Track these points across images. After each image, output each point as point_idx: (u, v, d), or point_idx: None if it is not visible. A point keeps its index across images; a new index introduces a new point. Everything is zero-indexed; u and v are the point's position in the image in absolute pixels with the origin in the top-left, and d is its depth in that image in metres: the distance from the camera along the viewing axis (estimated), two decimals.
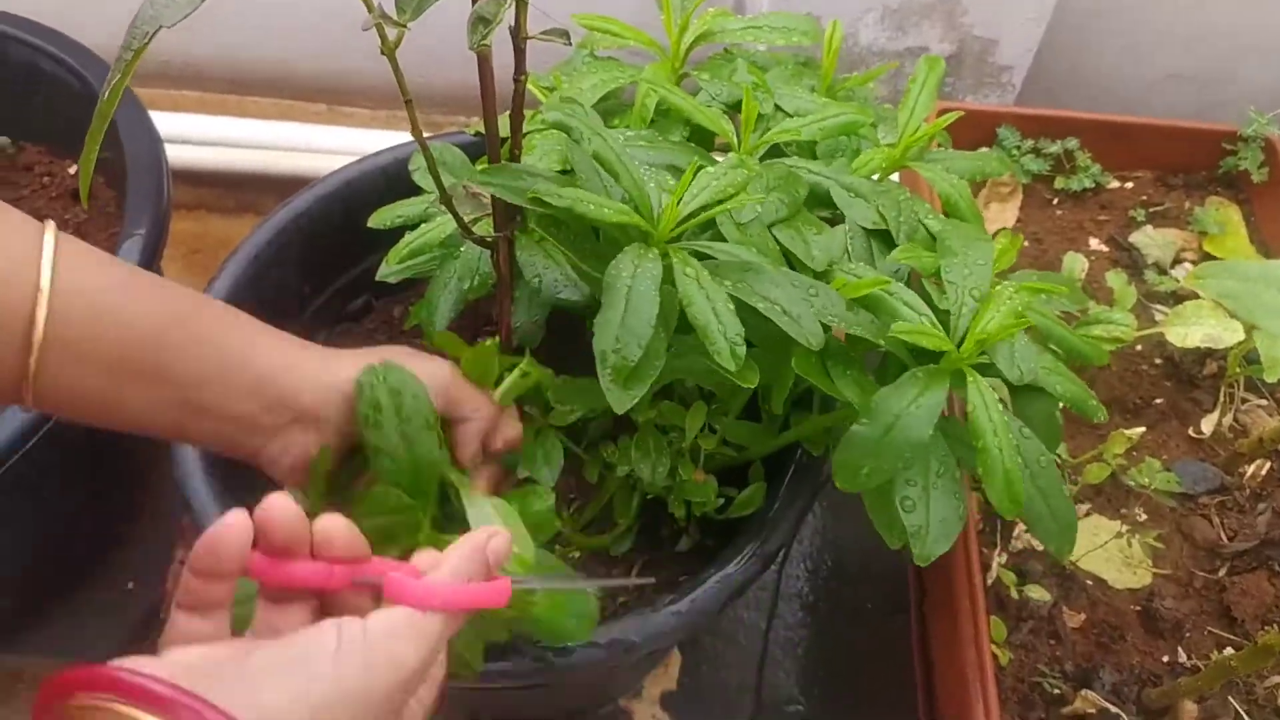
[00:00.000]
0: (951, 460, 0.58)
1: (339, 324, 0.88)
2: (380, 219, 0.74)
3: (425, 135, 0.53)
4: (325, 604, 0.42)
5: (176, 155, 1.39)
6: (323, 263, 0.83)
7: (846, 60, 1.20)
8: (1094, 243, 0.97)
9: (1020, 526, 0.80)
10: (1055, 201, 0.99)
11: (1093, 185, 0.99)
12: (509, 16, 0.47)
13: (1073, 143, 0.99)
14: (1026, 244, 0.96)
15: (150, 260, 0.84)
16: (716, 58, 0.77)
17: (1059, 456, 0.82)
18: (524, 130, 0.76)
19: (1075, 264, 0.90)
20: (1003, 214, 0.97)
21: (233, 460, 0.53)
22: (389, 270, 0.72)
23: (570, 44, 0.48)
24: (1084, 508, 0.81)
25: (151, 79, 1.48)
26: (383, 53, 0.46)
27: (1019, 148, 0.99)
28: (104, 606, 0.97)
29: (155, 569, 0.98)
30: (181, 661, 0.34)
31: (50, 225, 0.44)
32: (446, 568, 0.42)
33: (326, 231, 0.82)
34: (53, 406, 0.45)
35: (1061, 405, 0.62)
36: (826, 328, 0.57)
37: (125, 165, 0.90)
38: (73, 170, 1.06)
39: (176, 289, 0.50)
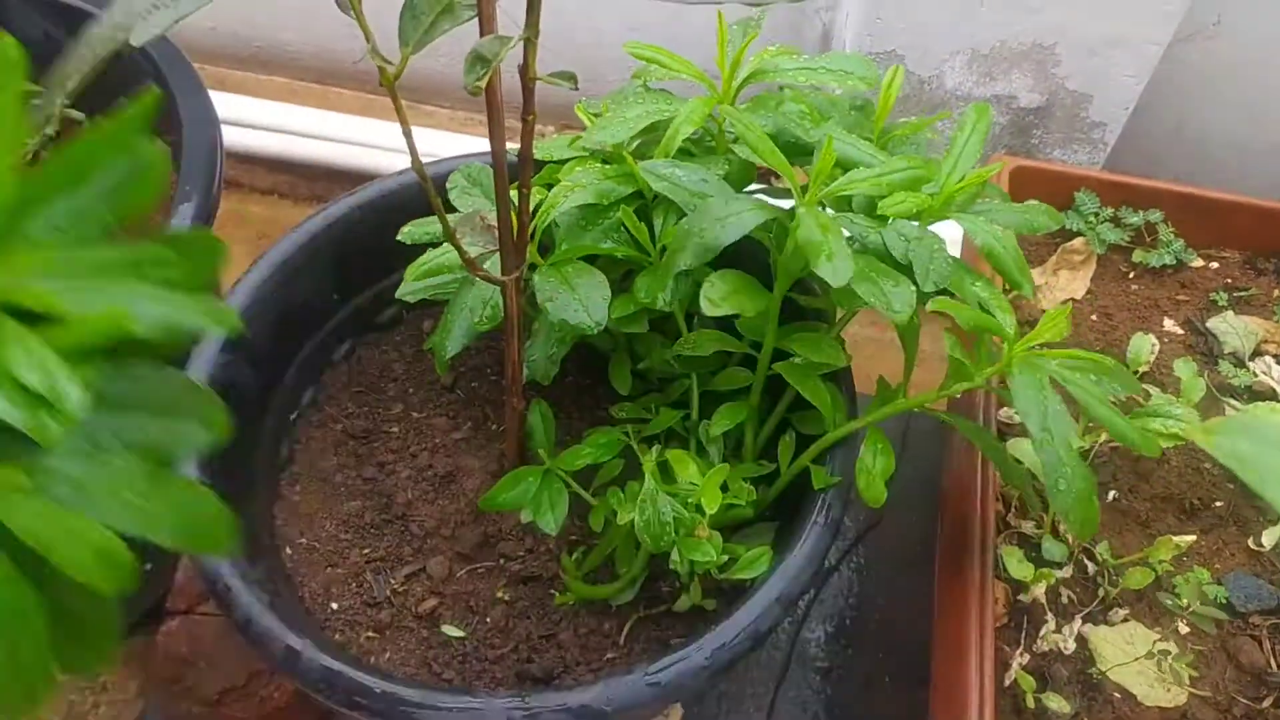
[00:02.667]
0: None
1: (367, 333, 0.87)
2: (410, 234, 0.73)
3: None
4: None
5: (255, 140, 1.43)
6: (354, 271, 0.83)
7: (929, 103, 1.15)
8: (1168, 324, 0.90)
9: (1049, 625, 0.75)
10: (1131, 275, 0.93)
11: (1174, 262, 0.92)
12: (517, 55, 0.45)
13: (1156, 214, 0.93)
14: (1094, 318, 0.90)
15: None
16: (766, 96, 0.73)
17: (1100, 555, 0.77)
18: (564, 157, 0.75)
19: (1143, 346, 0.84)
20: (1072, 284, 0.91)
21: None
22: (407, 289, 0.71)
23: (576, 88, 0.45)
24: (1121, 613, 0.75)
25: (244, 63, 1.51)
26: (382, 84, 0.44)
27: (1097, 215, 0.93)
28: None
29: (171, 553, 0.99)
30: None
31: None
32: None
33: (360, 240, 0.81)
34: None
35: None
36: None
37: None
38: None
39: None
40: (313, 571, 0.74)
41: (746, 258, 0.66)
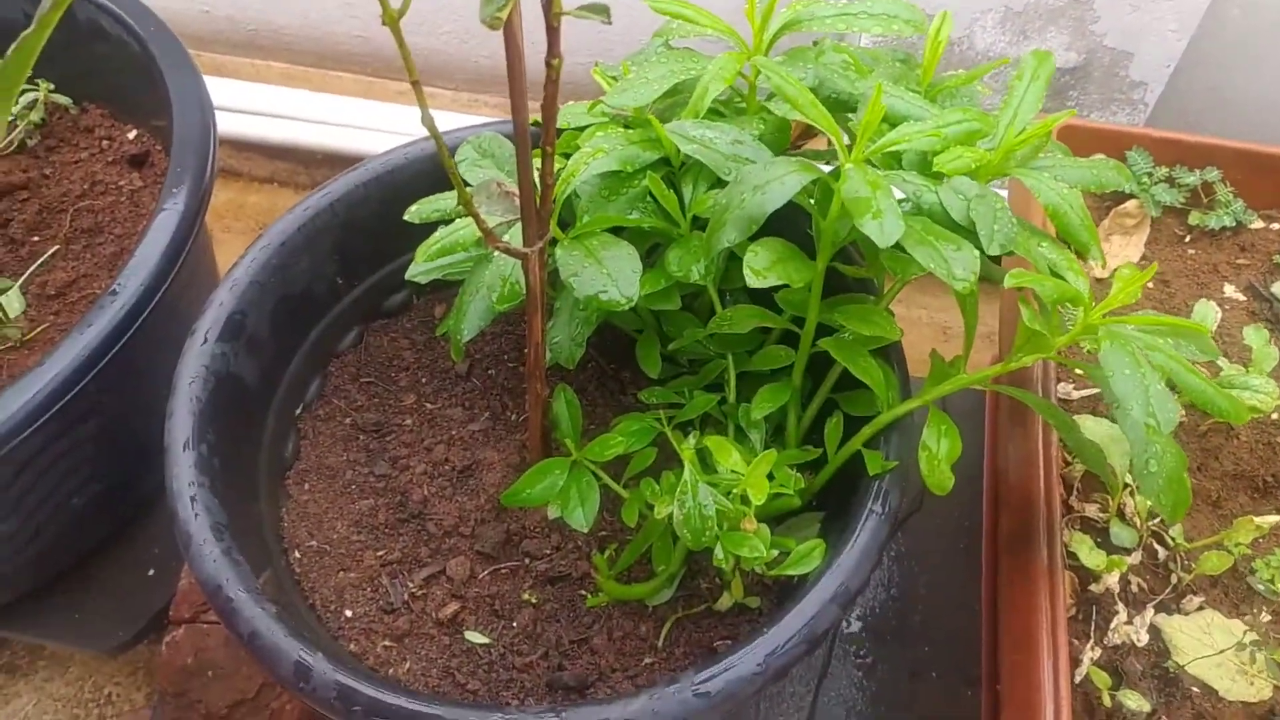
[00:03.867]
0: None
1: (375, 319, 0.81)
2: (418, 212, 0.67)
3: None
4: None
5: (253, 127, 1.37)
6: (359, 253, 0.77)
7: (960, 65, 1.09)
8: (1229, 289, 0.84)
9: (1120, 615, 0.69)
10: (1187, 239, 0.87)
11: (1233, 224, 0.86)
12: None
13: (1213, 173, 0.87)
14: (1150, 285, 0.84)
15: (188, 231, 0.79)
16: (802, 49, 0.68)
17: (1171, 539, 0.71)
18: (583, 124, 0.69)
19: (1207, 313, 0.78)
20: (1126, 248, 0.85)
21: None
22: (417, 269, 0.65)
23: (609, 22, 0.40)
24: (1195, 601, 0.70)
25: (239, 48, 1.45)
26: (384, 23, 0.39)
27: (1150, 175, 0.87)
28: (125, 591, 0.94)
29: (176, 557, 0.94)
30: None
31: None
32: None
33: (365, 220, 0.75)
34: None
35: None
36: None
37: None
38: (132, 135, 1.02)
39: None
40: (323, 577, 0.69)
41: (786, 225, 0.61)
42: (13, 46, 0.32)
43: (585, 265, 0.59)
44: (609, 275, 0.58)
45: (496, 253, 0.61)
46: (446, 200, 0.66)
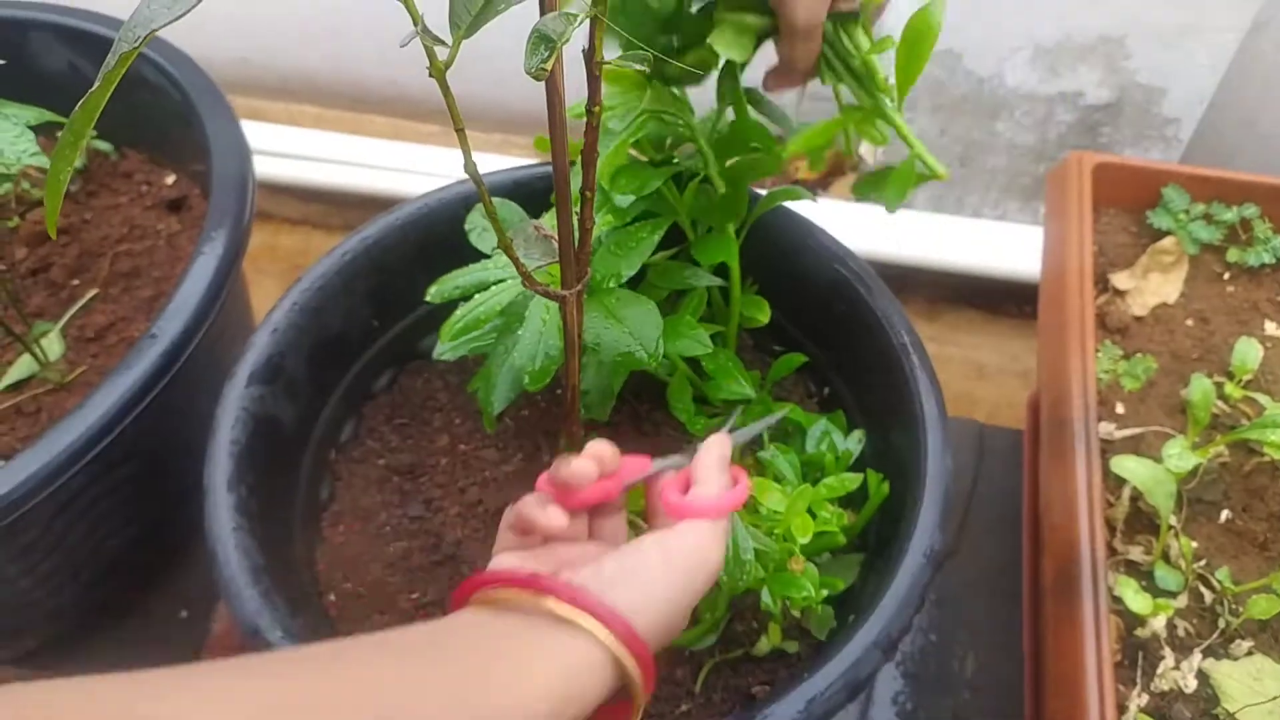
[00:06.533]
0: None
1: (409, 361, 0.82)
2: (439, 292, 0.66)
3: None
4: (595, 511, 0.51)
5: (286, 170, 1.39)
6: (394, 295, 0.77)
7: (989, 103, 1.09)
8: (1270, 327, 0.83)
9: (1167, 660, 0.68)
10: (1226, 276, 0.86)
11: (1272, 260, 0.85)
12: (582, 38, 0.40)
13: (1251, 209, 0.86)
14: (1190, 324, 0.83)
15: (226, 274, 0.80)
16: None
17: (1218, 582, 0.70)
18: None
19: (1249, 352, 0.77)
20: (1164, 287, 0.84)
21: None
22: (444, 349, 0.65)
23: (649, 71, 0.40)
24: (1244, 646, 0.68)
25: (273, 93, 1.48)
26: (431, 75, 0.39)
27: (1187, 212, 0.86)
28: (156, 634, 0.94)
29: (209, 599, 0.94)
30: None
31: None
32: (711, 483, 0.48)
33: (399, 263, 0.76)
34: None
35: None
36: None
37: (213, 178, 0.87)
38: (170, 180, 1.03)
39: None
40: (359, 619, 0.68)
41: None
42: (80, 103, 0.33)
43: (607, 327, 0.59)
44: (630, 334, 0.58)
45: (525, 322, 0.61)
46: (467, 275, 0.66)
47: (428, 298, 0.66)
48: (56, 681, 0.32)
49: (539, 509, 0.47)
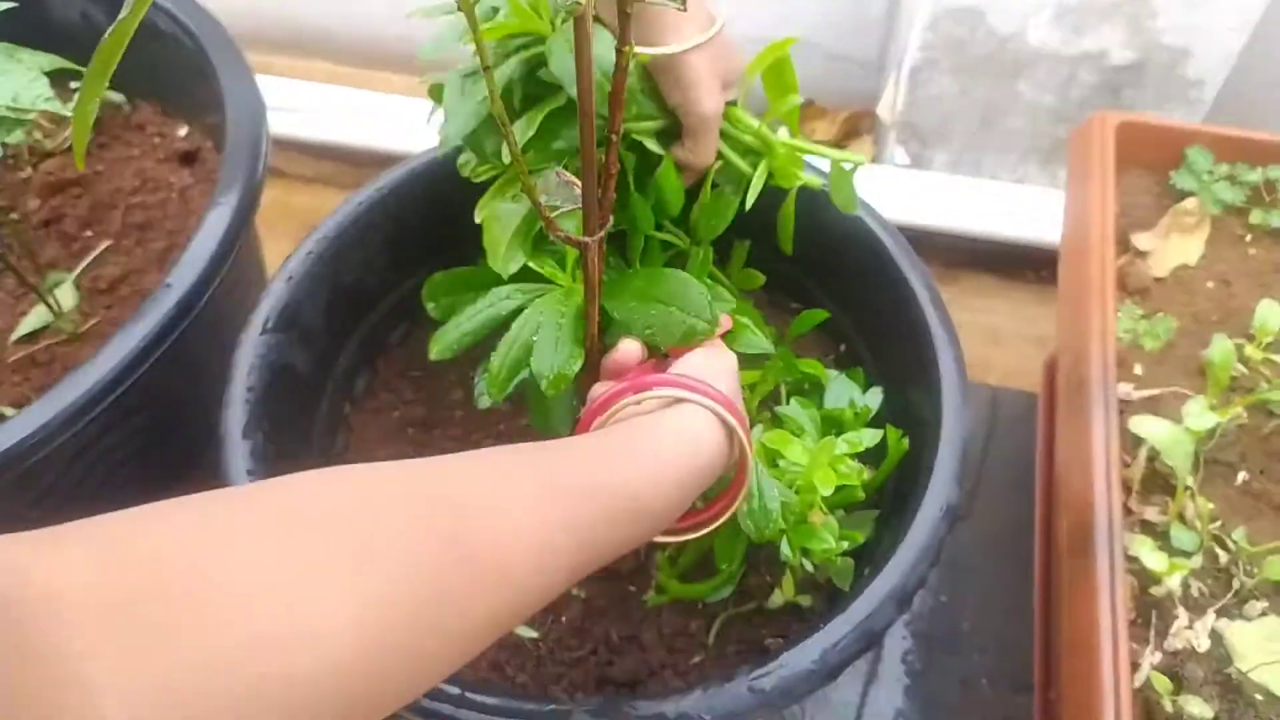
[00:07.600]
0: None
1: (424, 313, 0.81)
2: (440, 351, 0.62)
3: None
4: None
5: (299, 126, 1.38)
6: (410, 248, 0.77)
7: (1011, 63, 1.08)
8: None
9: (1180, 620, 0.68)
10: (1249, 238, 0.85)
11: None
12: None
13: (1276, 171, 0.85)
14: (1210, 286, 0.82)
15: (240, 226, 0.79)
16: None
17: (1233, 543, 0.69)
18: None
19: (1272, 314, 0.77)
20: (1186, 248, 0.83)
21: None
22: (484, 397, 0.62)
23: (684, 9, 0.39)
24: (1259, 606, 0.68)
25: (284, 48, 1.46)
26: (460, 9, 0.39)
27: (1211, 173, 0.85)
28: None
29: None
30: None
31: None
32: None
33: (415, 214, 0.75)
34: None
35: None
36: None
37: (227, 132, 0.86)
38: (182, 132, 1.03)
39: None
40: None
41: None
42: (95, 54, 0.33)
43: (654, 313, 0.56)
44: (682, 310, 0.55)
45: (516, 322, 0.59)
46: (471, 320, 0.61)
47: (431, 358, 0.61)
48: (380, 465, 0.39)
49: (622, 352, 0.54)
